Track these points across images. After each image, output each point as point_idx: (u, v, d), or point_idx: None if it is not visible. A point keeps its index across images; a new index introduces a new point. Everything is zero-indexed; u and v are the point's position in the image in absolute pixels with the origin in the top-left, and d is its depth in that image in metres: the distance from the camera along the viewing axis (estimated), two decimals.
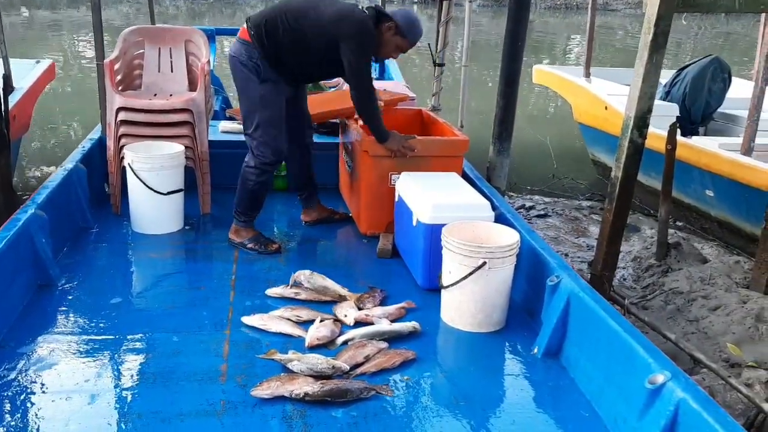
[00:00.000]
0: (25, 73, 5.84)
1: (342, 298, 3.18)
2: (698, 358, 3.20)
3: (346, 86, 3.89)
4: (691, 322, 3.75)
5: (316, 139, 4.29)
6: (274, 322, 2.93)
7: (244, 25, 3.51)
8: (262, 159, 3.58)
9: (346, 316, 2.98)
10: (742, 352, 3.41)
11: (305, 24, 3.41)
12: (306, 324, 2.95)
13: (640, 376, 2.25)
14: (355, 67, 3.42)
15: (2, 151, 3.84)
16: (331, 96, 4.04)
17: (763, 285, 3.86)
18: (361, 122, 3.79)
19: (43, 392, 2.43)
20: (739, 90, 6.78)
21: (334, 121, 4.54)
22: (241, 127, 4.73)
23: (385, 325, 2.93)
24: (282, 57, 3.47)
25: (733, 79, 6.50)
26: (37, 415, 2.30)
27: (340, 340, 2.83)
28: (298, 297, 3.16)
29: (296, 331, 2.88)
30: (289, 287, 3.22)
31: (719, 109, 6.47)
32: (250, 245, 3.71)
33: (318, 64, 3.53)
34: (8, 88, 5.15)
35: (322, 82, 5.27)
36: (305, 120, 3.94)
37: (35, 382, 2.48)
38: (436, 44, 5.30)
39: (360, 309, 3.09)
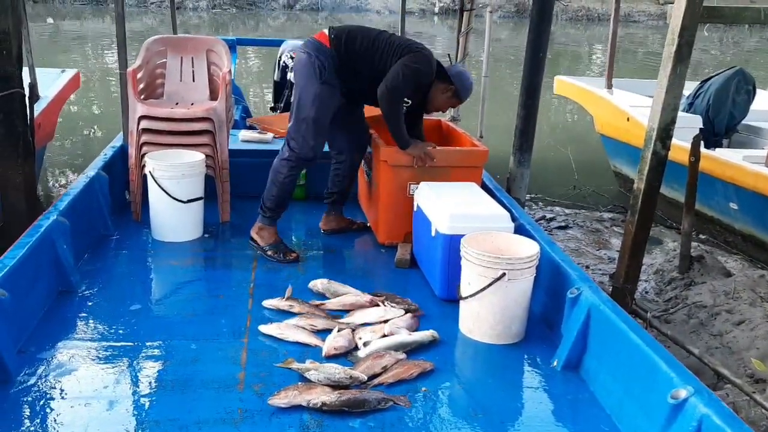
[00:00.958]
0: (51, 82, 5.92)
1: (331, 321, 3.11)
2: (722, 373, 3.14)
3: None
4: (714, 337, 3.70)
5: None
6: (291, 331, 2.92)
7: (325, 31, 3.63)
8: (298, 153, 3.62)
9: (360, 339, 2.92)
10: (766, 367, 3.35)
11: (381, 42, 3.57)
12: (322, 333, 2.94)
13: (662, 391, 2.21)
14: (397, 74, 3.48)
15: (27, 158, 3.89)
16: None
17: None
18: (375, 132, 3.81)
19: (63, 398, 2.44)
20: (764, 102, 6.70)
21: None
22: (262, 136, 4.79)
23: (405, 336, 2.91)
24: (349, 68, 3.58)
25: (758, 91, 6.43)
26: (56, 420, 2.31)
27: (363, 352, 2.81)
28: (291, 310, 3.12)
29: (313, 340, 2.87)
30: (284, 300, 3.19)
31: (743, 121, 6.39)
32: (270, 252, 3.71)
33: (376, 87, 3.55)
34: (34, 96, 5.20)
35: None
36: (364, 127, 4.01)
37: (54, 387, 2.49)
38: (456, 55, 5.30)
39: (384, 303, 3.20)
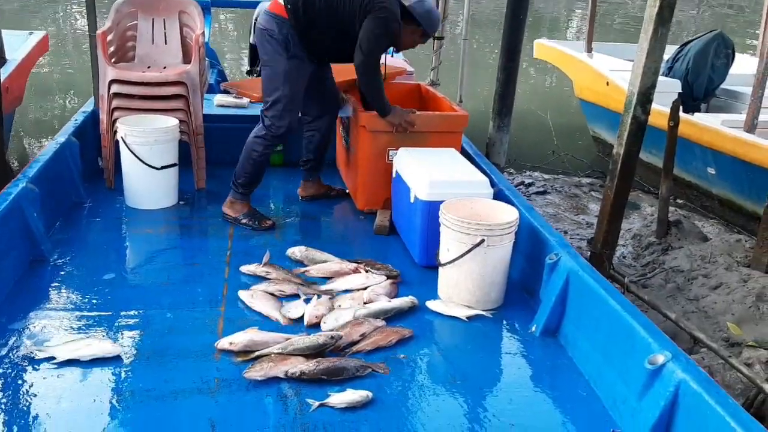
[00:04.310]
0: (18, 45, 5.75)
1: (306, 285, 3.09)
2: (698, 338, 3.17)
3: None
4: (691, 301, 3.73)
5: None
6: (258, 300, 2.89)
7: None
8: (273, 131, 3.55)
9: (340, 306, 2.91)
10: (742, 331, 3.39)
11: (340, 2, 3.42)
12: (289, 298, 2.93)
13: (639, 356, 2.22)
14: (372, 42, 3.39)
15: None
16: (344, 67, 3.97)
17: (764, 264, 3.83)
18: (353, 97, 3.74)
19: (35, 369, 2.39)
20: (742, 66, 6.70)
21: None
22: (237, 100, 4.69)
23: (385, 302, 2.90)
24: (313, 33, 3.46)
25: (736, 55, 6.42)
26: (28, 391, 2.27)
27: (343, 318, 2.78)
28: (268, 276, 3.10)
29: (273, 313, 2.81)
30: (261, 265, 3.17)
31: (722, 86, 6.39)
32: (244, 221, 3.66)
33: (346, 44, 3.47)
34: (1, 60, 5.06)
35: None
36: (334, 93, 3.93)
37: (26, 358, 2.44)
38: None
39: (367, 271, 3.16)
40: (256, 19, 5.78)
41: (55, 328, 2.64)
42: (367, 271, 3.17)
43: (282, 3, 3.45)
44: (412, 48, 3.77)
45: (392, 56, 4.18)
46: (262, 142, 3.59)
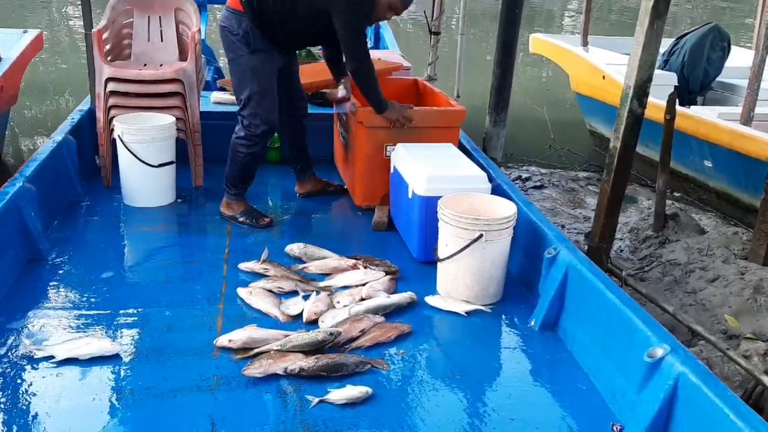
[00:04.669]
0: (12, 43, 5.72)
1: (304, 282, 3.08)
2: (696, 330, 3.18)
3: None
4: (688, 294, 3.73)
5: (311, 109, 4.22)
6: (257, 297, 2.89)
7: None
8: (252, 130, 3.50)
9: (339, 302, 2.91)
10: (740, 323, 3.40)
11: None
12: (288, 295, 2.93)
13: (638, 350, 2.22)
14: (351, 37, 3.35)
15: None
16: (324, 66, 3.97)
17: (761, 256, 3.84)
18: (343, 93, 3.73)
19: (34, 368, 2.39)
20: (738, 59, 6.70)
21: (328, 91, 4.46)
22: (233, 97, 4.67)
23: (383, 298, 2.90)
24: (272, 24, 3.38)
25: (732, 47, 6.41)
26: (27, 391, 2.27)
27: (340, 316, 2.78)
28: (266, 273, 3.10)
29: (272, 310, 2.81)
30: (260, 263, 3.16)
31: (718, 78, 6.39)
32: (241, 219, 3.66)
33: (309, 30, 3.44)
34: None
35: (316, 52, 5.17)
36: (298, 91, 3.87)
37: (25, 357, 2.43)
38: (432, 12, 5.20)
39: (365, 267, 3.16)
40: None
41: (54, 327, 2.64)
42: (365, 267, 3.17)
43: None
44: (387, 18, 3.58)
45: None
46: (244, 142, 3.53)
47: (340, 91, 3.84)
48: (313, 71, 4.37)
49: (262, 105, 3.47)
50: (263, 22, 3.36)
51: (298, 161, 4.05)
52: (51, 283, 2.99)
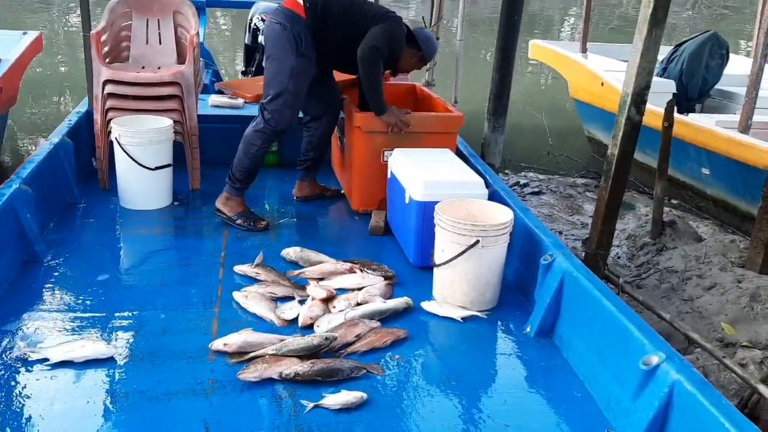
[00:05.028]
0: (12, 45, 5.72)
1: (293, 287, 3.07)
2: (693, 338, 3.17)
3: None
4: (685, 302, 3.73)
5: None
6: (252, 300, 2.88)
7: None
8: (273, 126, 3.55)
9: (335, 307, 2.90)
10: (736, 331, 3.39)
11: (355, 11, 3.51)
12: (283, 299, 2.93)
13: (634, 357, 2.22)
14: (376, 37, 3.43)
15: None
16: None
17: (758, 264, 3.84)
18: (347, 97, 3.74)
19: (28, 370, 2.38)
20: (736, 67, 6.72)
21: None
22: (232, 101, 4.68)
23: (380, 303, 2.90)
24: (326, 37, 3.49)
25: (731, 55, 6.43)
26: (21, 393, 2.26)
27: (336, 321, 2.77)
28: (258, 277, 3.09)
29: (267, 314, 2.80)
30: (253, 266, 3.16)
31: (716, 86, 6.40)
32: (239, 221, 3.65)
33: (352, 52, 3.48)
34: None
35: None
36: (336, 93, 3.95)
37: (20, 359, 2.43)
38: (431, 17, 5.20)
39: (361, 271, 3.17)
40: (250, 20, 5.79)
41: (49, 330, 2.63)
42: (362, 271, 3.17)
43: (300, 1, 3.47)
44: (408, 72, 3.91)
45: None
46: (262, 136, 3.58)
47: None
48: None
49: (290, 106, 3.53)
50: (319, 29, 3.47)
51: (309, 159, 4.06)
52: (46, 285, 2.98)
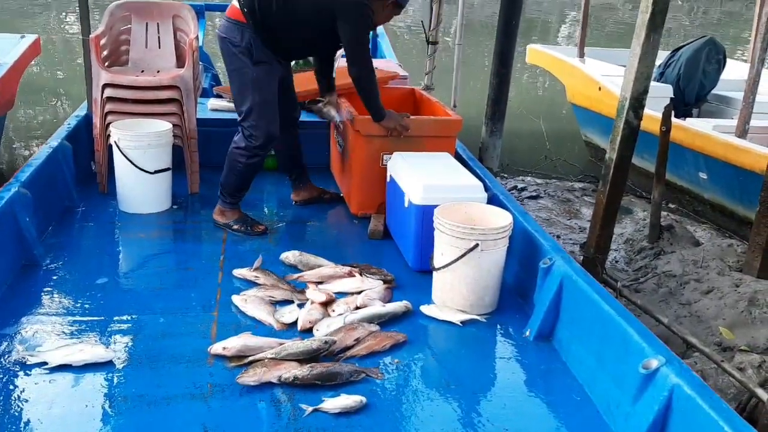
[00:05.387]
0: (9, 48, 5.71)
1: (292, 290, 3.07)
2: (691, 342, 3.18)
3: (340, 62, 3.83)
4: (683, 306, 3.74)
5: (307, 118, 4.23)
6: (251, 304, 2.88)
7: (234, 3, 3.40)
8: (253, 142, 3.48)
9: (334, 311, 2.90)
10: (734, 335, 3.40)
11: (299, 1, 3.33)
12: (283, 303, 2.93)
13: (633, 361, 2.22)
14: (356, 42, 3.36)
15: None
16: None
17: (756, 268, 3.84)
18: (347, 101, 3.73)
19: (27, 374, 2.37)
20: (733, 72, 6.74)
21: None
22: (231, 104, 4.67)
23: (379, 307, 2.90)
24: (275, 34, 3.38)
25: (728, 60, 6.45)
26: (20, 397, 2.26)
27: (335, 325, 2.77)
28: (257, 281, 3.09)
29: (266, 318, 2.80)
30: (252, 270, 3.16)
31: (713, 91, 6.42)
32: (236, 226, 3.65)
33: (312, 39, 3.46)
34: None
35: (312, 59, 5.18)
36: (293, 100, 3.86)
37: (18, 363, 2.42)
38: (430, 22, 5.22)
39: (361, 274, 3.17)
40: None
41: (47, 333, 2.63)
42: (361, 275, 3.17)
43: (238, 7, 3.36)
44: (387, 21, 3.69)
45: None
46: (244, 153, 3.51)
47: (334, 113, 3.82)
48: (309, 79, 4.37)
49: (264, 116, 3.46)
50: (265, 29, 3.35)
51: (293, 170, 4.05)
52: (45, 289, 2.98)
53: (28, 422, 2.15)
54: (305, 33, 3.40)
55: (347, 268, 3.22)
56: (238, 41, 3.36)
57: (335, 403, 2.28)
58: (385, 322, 2.84)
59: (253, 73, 3.39)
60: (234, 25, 3.38)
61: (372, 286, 3.08)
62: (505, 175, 6.44)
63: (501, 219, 3.01)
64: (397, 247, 3.54)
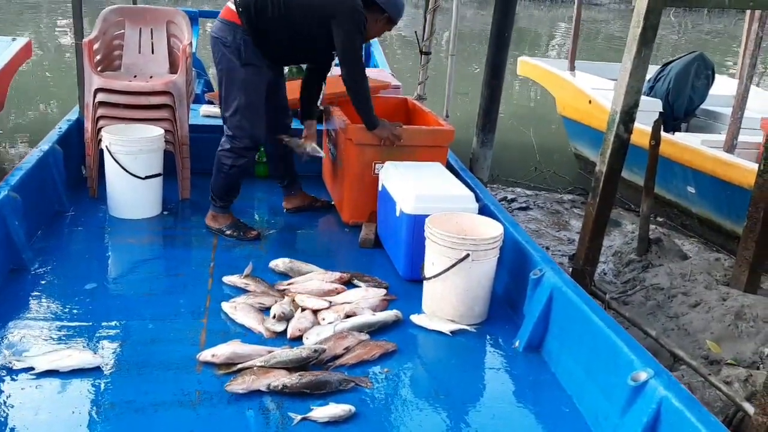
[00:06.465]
0: (0, 50, 5.69)
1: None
2: (678, 355, 3.19)
3: (334, 70, 3.84)
4: (671, 319, 3.76)
5: (299, 125, 4.23)
6: (241, 311, 2.87)
7: (229, 5, 3.41)
8: (237, 143, 3.50)
9: (324, 319, 2.89)
10: (721, 349, 3.42)
11: (295, 3, 3.35)
12: (270, 311, 2.92)
13: (622, 373, 2.23)
14: (350, 49, 3.38)
15: None
16: None
17: (743, 282, 3.87)
18: (340, 110, 3.74)
19: (13, 379, 2.36)
20: (722, 87, 6.81)
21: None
22: None
23: (369, 316, 2.89)
24: (269, 37, 3.39)
25: (716, 76, 6.52)
26: (5, 403, 2.24)
27: (325, 333, 2.77)
28: (247, 288, 3.08)
29: (255, 326, 2.79)
30: (242, 277, 3.15)
31: (702, 106, 6.48)
32: (228, 232, 3.64)
33: (305, 45, 3.47)
34: None
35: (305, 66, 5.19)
36: (284, 107, 3.87)
37: (4, 368, 2.40)
38: (423, 32, 5.24)
39: (355, 284, 3.18)
40: None
41: (35, 338, 2.61)
42: (351, 281, 3.18)
43: (233, 8, 3.37)
44: (378, 36, 3.75)
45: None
46: (229, 155, 3.53)
47: (309, 147, 3.80)
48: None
49: (248, 118, 3.47)
50: (258, 30, 3.35)
51: (284, 177, 4.06)
52: (33, 294, 2.96)
53: (14, 428, 2.13)
54: (298, 36, 3.41)
55: (337, 274, 3.22)
56: (229, 41, 3.37)
57: (324, 411, 2.28)
58: (375, 331, 2.84)
59: (241, 73, 3.40)
60: (227, 26, 3.39)
61: (375, 294, 3.08)
62: (496, 186, 6.47)
63: (492, 229, 3.02)
64: (387, 256, 3.54)
